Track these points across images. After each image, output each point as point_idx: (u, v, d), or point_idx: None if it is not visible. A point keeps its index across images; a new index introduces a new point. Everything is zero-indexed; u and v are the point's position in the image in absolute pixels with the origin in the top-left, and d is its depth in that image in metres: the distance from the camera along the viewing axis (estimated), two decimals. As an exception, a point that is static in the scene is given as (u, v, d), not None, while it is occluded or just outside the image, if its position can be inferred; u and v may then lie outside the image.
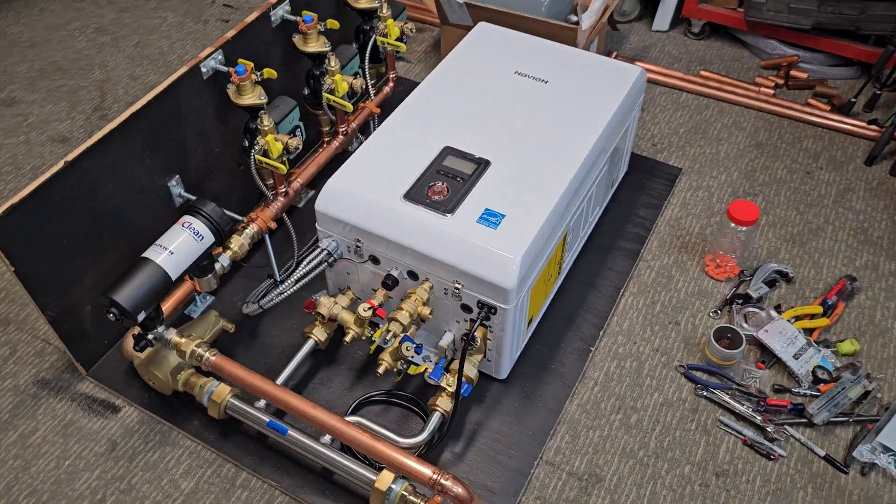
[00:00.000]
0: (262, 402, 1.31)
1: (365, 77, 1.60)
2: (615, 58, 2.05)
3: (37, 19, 2.28)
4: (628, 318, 1.53)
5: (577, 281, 1.57)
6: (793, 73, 2.03)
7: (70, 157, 1.22)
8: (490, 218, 1.27)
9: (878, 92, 1.93)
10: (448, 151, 1.37)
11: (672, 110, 1.98)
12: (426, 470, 1.08)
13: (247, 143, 1.45)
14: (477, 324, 1.26)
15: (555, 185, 1.33)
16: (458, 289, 1.26)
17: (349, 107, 1.45)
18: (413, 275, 1.31)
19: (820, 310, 1.51)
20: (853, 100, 1.93)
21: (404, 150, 1.39)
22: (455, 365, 1.32)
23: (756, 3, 1.96)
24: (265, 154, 1.32)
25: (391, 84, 1.68)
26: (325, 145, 1.62)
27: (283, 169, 1.33)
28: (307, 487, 1.28)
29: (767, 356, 1.45)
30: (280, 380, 1.32)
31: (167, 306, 1.38)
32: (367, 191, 1.32)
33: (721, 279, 1.59)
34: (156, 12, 2.31)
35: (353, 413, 1.37)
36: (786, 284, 1.58)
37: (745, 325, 1.48)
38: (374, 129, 1.68)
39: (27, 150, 1.88)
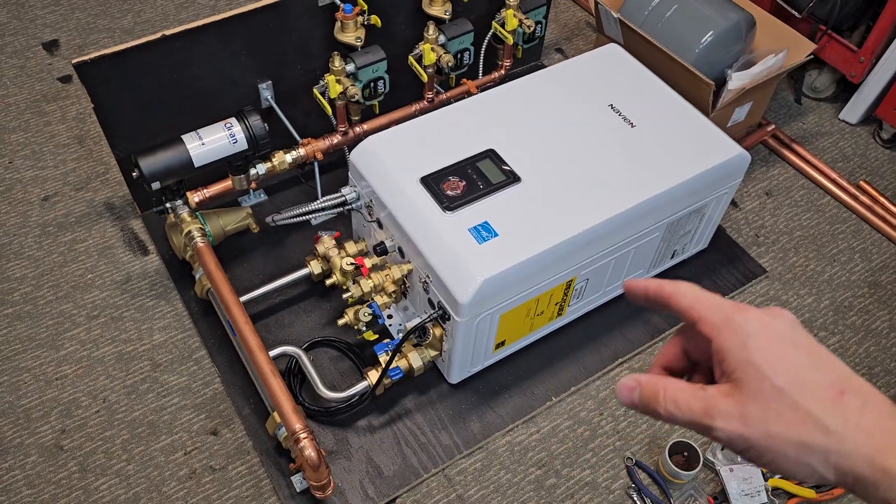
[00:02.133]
0: (245, 297, 1.44)
1: (476, 55, 1.61)
2: (772, 132, 1.87)
3: None
4: (610, 388, 1.46)
5: (582, 330, 1.51)
6: (970, 225, 1.72)
7: (168, 31, 1.39)
8: (483, 231, 1.26)
9: None
10: (489, 154, 1.36)
11: (803, 209, 1.77)
12: (296, 422, 1.15)
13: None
14: (426, 319, 1.28)
15: (568, 227, 1.28)
16: (426, 282, 1.28)
17: (424, 76, 1.48)
18: (402, 252, 1.35)
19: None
20: None
21: (454, 135, 1.40)
22: (407, 348, 1.36)
23: (953, 133, 1.67)
24: (324, 93, 1.40)
25: (502, 72, 1.67)
26: (423, 102, 1.67)
27: (328, 108, 1.41)
28: (239, 388, 1.40)
29: (723, 495, 1.32)
30: (259, 292, 1.44)
31: (214, 188, 1.53)
32: (395, 160, 1.36)
33: (732, 398, 1.45)
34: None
35: (312, 347, 1.46)
36: (798, 437, 1.41)
37: (717, 454, 1.35)
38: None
39: (210, 13, 2.11)
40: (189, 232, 1.38)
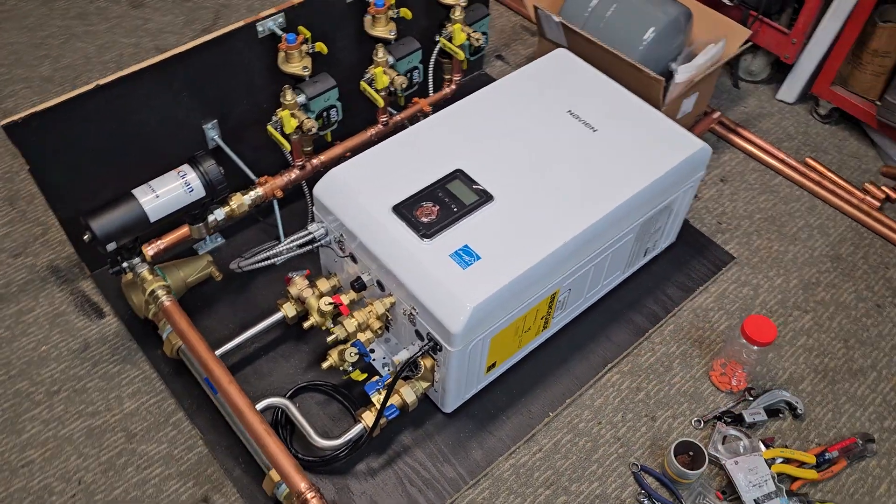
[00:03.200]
0: (219, 351, 1.37)
1: (426, 73, 1.57)
2: (718, 119, 1.89)
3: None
4: (604, 395, 1.44)
5: (568, 340, 1.49)
6: (914, 190, 1.79)
7: (102, 81, 1.30)
8: (464, 256, 1.22)
9: None
10: (458, 175, 1.33)
11: (757, 191, 1.81)
12: (300, 482, 1.09)
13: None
14: (417, 353, 1.24)
15: (549, 241, 1.26)
16: (412, 315, 1.24)
17: (380, 101, 1.44)
18: (381, 285, 1.30)
19: (813, 460, 1.35)
20: (969, 241, 1.68)
21: (418, 159, 1.36)
22: (400, 384, 1.31)
23: (891, 104, 1.73)
24: (280, 127, 1.34)
25: (452, 87, 1.64)
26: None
27: (287, 146, 1.35)
28: (225, 448, 1.32)
29: (729, 489, 1.32)
30: (233, 343, 1.36)
31: (169, 238, 1.44)
32: (362, 191, 1.31)
33: (723, 389, 1.46)
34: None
35: (296, 394, 1.39)
36: (792, 419, 1.43)
37: (719, 448, 1.36)
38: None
39: (134, 52, 2.01)
40: (153, 291, 1.29)
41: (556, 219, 1.29)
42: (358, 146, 1.53)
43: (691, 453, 1.32)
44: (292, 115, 1.32)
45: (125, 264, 1.30)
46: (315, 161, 1.47)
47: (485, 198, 1.30)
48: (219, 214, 1.37)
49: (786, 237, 1.72)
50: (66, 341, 1.46)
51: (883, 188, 1.80)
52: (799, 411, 1.43)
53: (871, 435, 1.40)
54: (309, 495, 1.07)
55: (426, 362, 1.28)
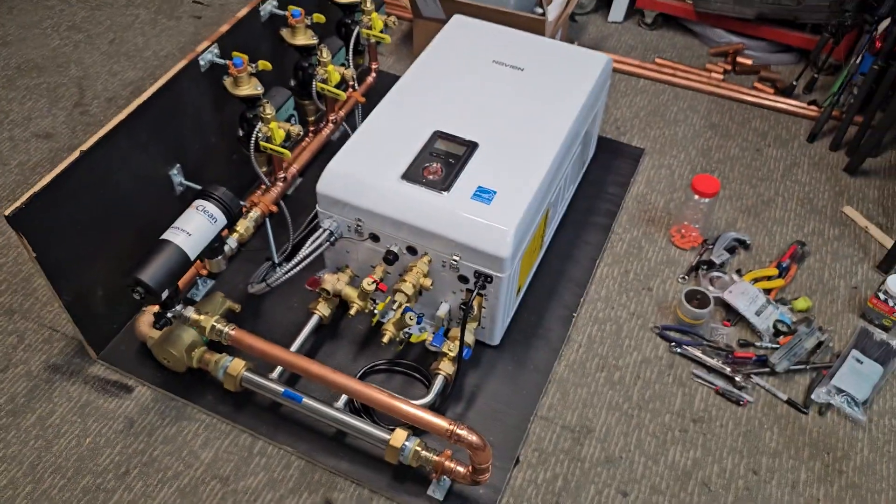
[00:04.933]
0: (275, 374, 1.40)
1: (350, 67, 1.68)
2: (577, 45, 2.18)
3: (7, 18, 2.29)
4: (605, 286, 1.66)
5: (557, 254, 1.69)
6: (739, 59, 2.19)
7: (84, 146, 1.28)
8: (483, 194, 1.37)
9: (816, 76, 2.11)
10: (438, 135, 1.47)
11: (631, 95, 2.13)
12: (442, 422, 1.19)
13: (241, 133, 1.53)
14: (475, 293, 1.37)
15: (539, 163, 1.45)
16: (455, 261, 1.37)
17: (343, 95, 1.54)
18: (412, 250, 1.41)
19: (776, 272, 1.66)
20: (794, 83, 2.10)
21: (396, 134, 1.48)
22: (452, 332, 1.43)
23: (704, -5, 2.12)
24: (268, 140, 1.40)
25: (374, 74, 1.77)
26: (310, 134, 1.71)
27: (288, 154, 1.42)
28: (321, 450, 1.37)
29: (732, 315, 1.60)
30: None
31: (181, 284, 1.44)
32: (366, 173, 1.41)
33: (686, 248, 1.74)
34: (128, 9, 2.35)
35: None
36: (744, 251, 1.74)
37: (711, 288, 1.63)
38: (359, 118, 1.79)
39: (12, 146, 1.90)
40: (213, 327, 1.30)
41: (534, 144, 1.48)
42: (319, 147, 1.61)
43: (698, 298, 1.57)
44: (279, 128, 1.38)
45: (170, 314, 1.29)
46: (292, 170, 1.53)
47: (471, 146, 1.45)
48: (231, 242, 1.39)
49: (669, 122, 2.05)
50: (108, 425, 1.41)
51: (719, 65, 2.19)
52: (748, 242, 1.74)
53: (802, 240, 1.75)
54: (457, 429, 1.17)
55: (475, 302, 1.41)
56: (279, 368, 1.41)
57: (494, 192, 1.38)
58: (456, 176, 1.40)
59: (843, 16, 1.94)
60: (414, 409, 1.21)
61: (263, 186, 1.60)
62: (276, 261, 1.60)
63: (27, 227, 1.22)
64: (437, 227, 1.35)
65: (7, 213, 1.18)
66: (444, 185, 1.38)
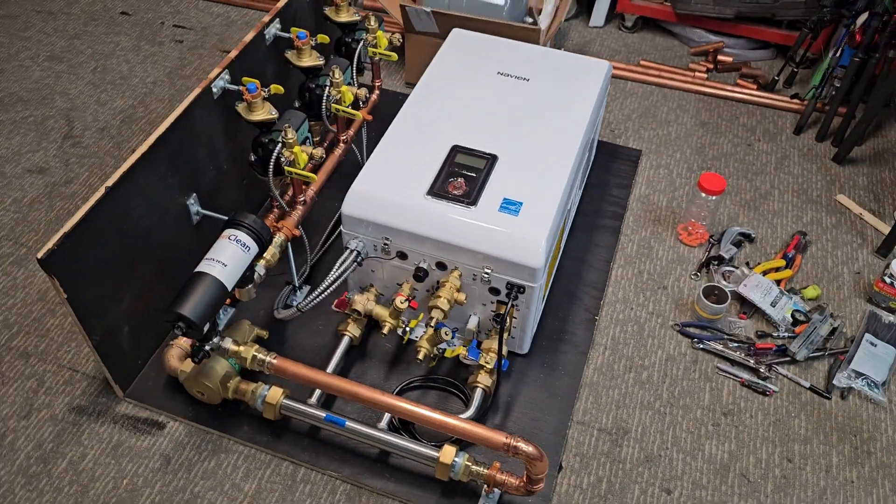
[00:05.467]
0: (314, 398, 1.39)
1: (361, 87, 1.68)
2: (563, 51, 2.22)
3: (-19, 51, 2.23)
4: (621, 287, 1.69)
5: (571, 258, 1.72)
6: (720, 57, 2.26)
7: (109, 182, 1.26)
8: (510, 206, 1.39)
9: (795, 70, 2.19)
10: (457, 150, 1.48)
11: (621, 98, 2.17)
12: (499, 435, 1.19)
13: (254, 158, 1.51)
14: (510, 304, 1.38)
15: (559, 171, 1.47)
16: (487, 274, 1.38)
17: (359, 115, 1.54)
18: (441, 265, 1.41)
19: (783, 263, 1.72)
20: (776, 78, 2.18)
21: (415, 151, 1.49)
22: (485, 344, 1.44)
23: (684, -2, 2.18)
24: (292, 165, 1.39)
25: (377, 92, 1.77)
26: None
27: (314, 178, 1.41)
28: (367, 473, 1.36)
29: (747, 307, 1.64)
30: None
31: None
32: (391, 191, 1.41)
33: (694, 245, 1.78)
34: (108, 37, 2.30)
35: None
36: (749, 244, 1.79)
37: (724, 283, 1.67)
38: (364, 136, 1.79)
39: (4, 183, 1.85)
40: (254, 358, 1.29)
41: (551, 153, 1.50)
42: (333, 170, 1.61)
43: (716, 293, 1.61)
44: (302, 151, 1.38)
45: (208, 347, 1.27)
46: (311, 193, 1.52)
47: (492, 158, 1.47)
48: (260, 270, 1.38)
49: (661, 123, 2.10)
50: (143, 464, 1.38)
51: (701, 64, 2.25)
52: (752, 236, 1.79)
53: (803, 230, 1.81)
54: (515, 441, 1.18)
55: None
56: (317, 393, 1.40)
57: (521, 203, 1.39)
58: (481, 189, 1.41)
59: (822, 11, 2.02)
60: (469, 424, 1.22)
61: (276, 211, 1.59)
62: (297, 284, 1.59)
63: (59, 269, 1.19)
64: (467, 242, 1.36)
65: (40, 255, 1.15)
66: (471, 198, 1.39)
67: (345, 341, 1.47)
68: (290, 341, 1.55)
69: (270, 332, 1.53)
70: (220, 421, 1.43)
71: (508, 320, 1.44)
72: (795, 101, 2.14)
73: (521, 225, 1.36)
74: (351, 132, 1.66)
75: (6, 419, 1.43)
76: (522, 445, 1.18)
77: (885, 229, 1.79)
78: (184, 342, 1.45)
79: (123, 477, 1.36)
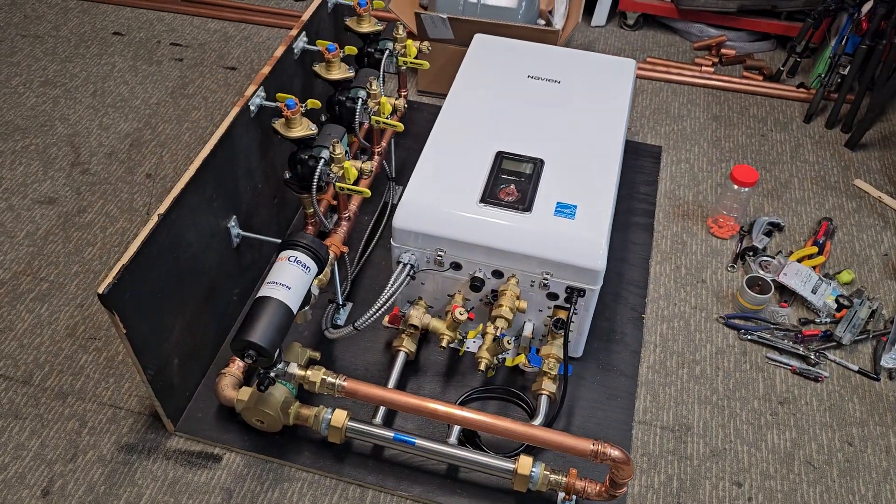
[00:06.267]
0: (378, 418, 1.35)
1: (399, 98, 1.65)
2: (573, 54, 2.22)
3: (-31, 80, 2.13)
4: (662, 283, 1.69)
5: (611, 258, 1.67)
6: (723, 51, 2.28)
7: (161, 209, 1.21)
8: (565, 209, 1.38)
9: (798, 60, 2.22)
10: (502, 155, 1.46)
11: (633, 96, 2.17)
12: (586, 442, 1.18)
13: (289, 175, 1.47)
14: (572, 308, 1.36)
15: (607, 171, 1.46)
16: (546, 279, 1.36)
17: (400, 126, 1.51)
18: (498, 273, 1.39)
19: (815, 250, 1.74)
20: (781, 68, 2.21)
21: (459, 160, 1.46)
22: (544, 350, 1.42)
23: (688, -7, 2.20)
24: (341, 180, 1.35)
25: (404, 101, 1.74)
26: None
27: (367, 193, 1.37)
28: (437, 490, 1.33)
29: (787, 296, 1.66)
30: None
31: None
32: (443, 201, 1.39)
33: (725, 237, 1.79)
34: (101, 59, 2.22)
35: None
36: (779, 233, 1.81)
37: (763, 273, 1.68)
38: (394, 147, 1.76)
39: (14, 216, 1.77)
40: (323, 381, 1.24)
41: (596, 154, 1.49)
42: (370, 182, 1.57)
43: (759, 283, 1.62)
44: (352, 166, 1.34)
45: (273, 373, 1.23)
46: (353, 207, 1.49)
47: (539, 162, 1.45)
48: (314, 290, 1.34)
49: (675, 118, 2.11)
50: (204, 500, 1.32)
51: (706, 58, 2.28)
52: (781, 225, 1.81)
53: (828, 216, 1.84)
54: (603, 447, 1.16)
55: (564, 317, 1.41)
56: (381, 412, 1.36)
57: (575, 207, 1.38)
58: (533, 194, 1.39)
59: (826, 1, 2.05)
60: (555, 434, 1.20)
61: (311, 228, 1.55)
62: (340, 301, 1.55)
63: (118, 304, 1.13)
64: (525, 248, 1.34)
65: (101, 290, 1.10)
66: (525, 204, 1.37)
67: (401, 357, 1.44)
68: (341, 360, 1.51)
69: (319, 352, 1.49)
70: (280, 449, 1.38)
71: (569, 325, 1.42)
72: (802, 90, 2.17)
73: (578, 228, 1.35)
74: (384, 144, 1.63)
75: (51, 464, 1.36)
76: (610, 450, 1.16)
77: (907, 211, 1.83)
78: (235, 370, 1.40)
79: (186, 514, 1.31)
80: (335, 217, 1.54)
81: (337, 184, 1.35)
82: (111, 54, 2.24)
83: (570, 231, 1.34)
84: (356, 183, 1.39)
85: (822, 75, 2.10)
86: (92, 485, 1.34)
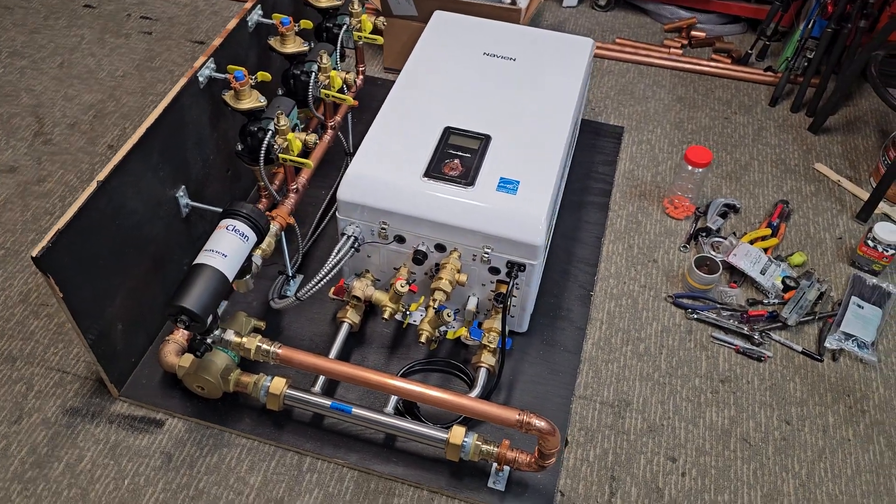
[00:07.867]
0: (317, 387, 1.37)
1: (351, 71, 1.65)
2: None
3: (-63, 49, 2.14)
4: (613, 262, 1.70)
5: (562, 236, 1.72)
6: (693, 33, 2.28)
7: (100, 176, 1.22)
8: (507, 185, 1.39)
9: (767, 43, 2.22)
10: (450, 131, 1.47)
11: (599, 76, 2.18)
12: (511, 412, 1.19)
13: (240, 147, 1.48)
14: (511, 283, 1.38)
15: (553, 149, 1.47)
16: (487, 253, 1.37)
17: (350, 100, 1.51)
18: (440, 247, 1.41)
19: (769, 231, 1.75)
20: (749, 51, 2.21)
21: (407, 134, 1.47)
22: (486, 324, 1.44)
23: (659, -26, 2.19)
24: (285, 152, 1.36)
25: (362, 76, 1.75)
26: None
27: (310, 164, 1.38)
28: (374, 458, 1.35)
29: (737, 276, 1.67)
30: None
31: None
32: (388, 175, 1.40)
33: (680, 218, 1.80)
34: (70, 31, 2.22)
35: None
36: (734, 215, 1.82)
37: (713, 253, 1.69)
38: (350, 122, 1.76)
39: (-25, 184, 1.78)
40: (258, 349, 1.26)
41: (543, 131, 1.50)
42: (322, 155, 1.58)
43: (707, 263, 1.63)
44: (296, 138, 1.35)
45: (209, 340, 1.25)
46: (302, 181, 1.50)
47: (485, 138, 1.46)
48: (257, 260, 1.35)
49: (639, 99, 2.11)
50: (144, 463, 1.34)
51: (675, 40, 2.27)
52: (738, 206, 1.82)
53: (785, 199, 1.84)
54: (528, 417, 1.18)
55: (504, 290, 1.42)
56: (321, 381, 1.38)
57: (518, 182, 1.39)
58: (477, 169, 1.40)
59: (793, -16, 2.05)
60: (482, 404, 1.22)
61: (265, 200, 1.56)
62: (290, 273, 1.57)
63: (53, 268, 1.15)
64: (467, 222, 1.35)
65: (34, 254, 1.11)
66: (468, 179, 1.38)
67: (344, 328, 1.46)
68: (287, 331, 1.53)
69: (266, 322, 1.51)
70: (221, 415, 1.40)
71: (509, 299, 1.44)
72: (769, 73, 2.17)
73: (519, 203, 1.36)
74: (338, 118, 1.64)
75: (-4, 427, 1.38)
76: (535, 421, 1.18)
77: (864, 195, 1.84)
78: (179, 337, 1.41)
79: (124, 477, 1.33)
80: (287, 190, 1.55)
81: (280, 155, 1.36)
82: (80, 26, 2.24)
83: (511, 206, 1.36)
84: (303, 156, 1.40)
85: (790, 59, 2.10)
86: (34, 446, 1.36)
